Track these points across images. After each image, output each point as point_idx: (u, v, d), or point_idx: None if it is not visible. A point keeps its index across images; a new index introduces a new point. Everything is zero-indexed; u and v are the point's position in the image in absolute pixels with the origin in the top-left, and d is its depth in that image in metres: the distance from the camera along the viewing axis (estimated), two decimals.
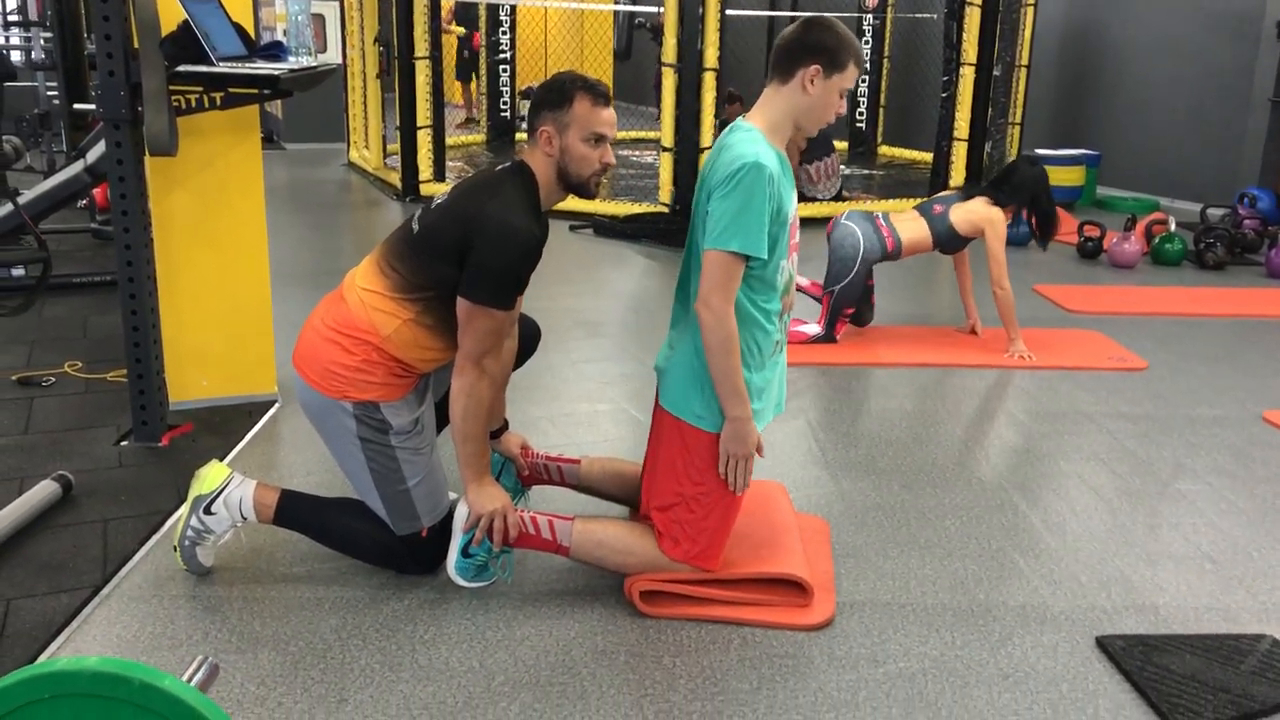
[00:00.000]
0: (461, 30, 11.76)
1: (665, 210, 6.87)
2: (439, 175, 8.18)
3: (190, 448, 3.13)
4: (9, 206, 3.49)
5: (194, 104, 3.05)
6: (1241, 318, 5.20)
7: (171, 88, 2.92)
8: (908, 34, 10.98)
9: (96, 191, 5.31)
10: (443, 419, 2.47)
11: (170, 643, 2.16)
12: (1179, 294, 5.66)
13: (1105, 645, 2.24)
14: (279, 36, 3.38)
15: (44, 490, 2.68)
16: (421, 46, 7.81)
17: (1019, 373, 4.21)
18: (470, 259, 2.18)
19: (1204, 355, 4.50)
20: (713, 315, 2.14)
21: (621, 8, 13.63)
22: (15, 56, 9.54)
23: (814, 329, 4.45)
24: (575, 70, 2.40)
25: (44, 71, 8.48)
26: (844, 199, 7.64)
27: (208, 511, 2.36)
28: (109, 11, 2.81)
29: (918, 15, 10.69)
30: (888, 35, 10.95)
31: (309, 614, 2.28)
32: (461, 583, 2.35)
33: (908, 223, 4.43)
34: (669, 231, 6.67)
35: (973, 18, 7.59)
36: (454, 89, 12.17)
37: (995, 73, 7.81)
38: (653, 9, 10.64)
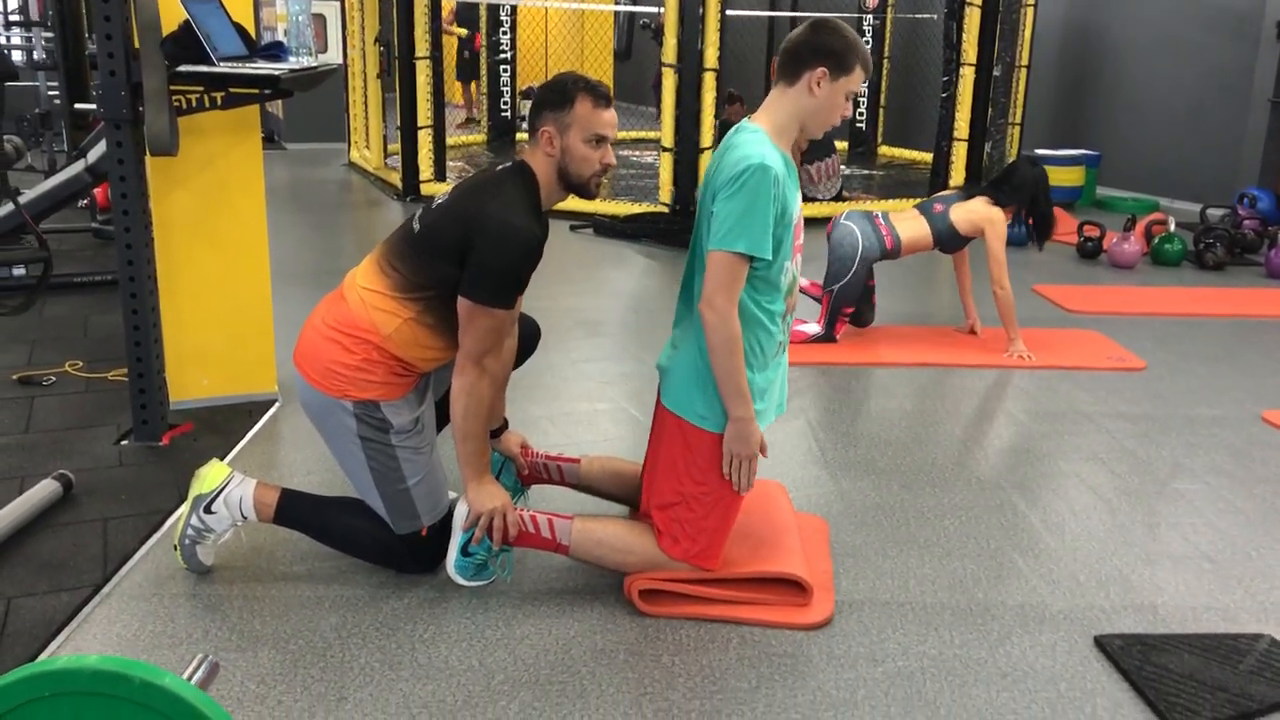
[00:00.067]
0: (464, 32, 11.76)
1: (665, 210, 6.88)
2: (439, 175, 8.19)
3: (191, 447, 3.14)
4: (10, 206, 3.50)
5: (195, 104, 3.05)
6: (1241, 318, 5.20)
7: (172, 87, 2.93)
8: (908, 34, 10.99)
9: (97, 191, 5.32)
10: (443, 418, 2.48)
11: (170, 641, 2.16)
12: (1178, 294, 5.67)
13: (1103, 644, 2.24)
14: (280, 37, 3.38)
15: (44, 489, 2.69)
16: (422, 46, 7.81)
17: (1018, 372, 4.22)
18: (471, 259, 2.19)
19: (1203, 355, 4.50)
20: (716, 315, 2.15)
21: (622, 8, 13.64)
22: (17, 56, 9.54)
23: (814, 328, 4.45)
24: (576, 71, 2.41)
25: (45, 71, 8.48)
26: (844, 199, 7.64)
27: (208, 510, 2.37)
28: (110, 11, 2.82)
29: (918, 15, 10.70)
30: (888, 35, 10.96)
31: (309, 612, 2.28)
32: (461, 581, 2.35)
33: (907, 221, 4.43)
34: (669, 231, 6.68)
35: (973, 18, 7.60)
36: (454, 89, 12.17)
37: (995, 73, 7.81)
38: (654, 9, 10.64)
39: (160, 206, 3.23)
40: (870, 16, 10.83)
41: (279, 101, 10.11)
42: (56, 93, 7.03)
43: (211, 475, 2.41)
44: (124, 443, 3.15)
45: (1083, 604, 2.43)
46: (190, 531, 2.37)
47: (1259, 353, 4.58)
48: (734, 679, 2.10)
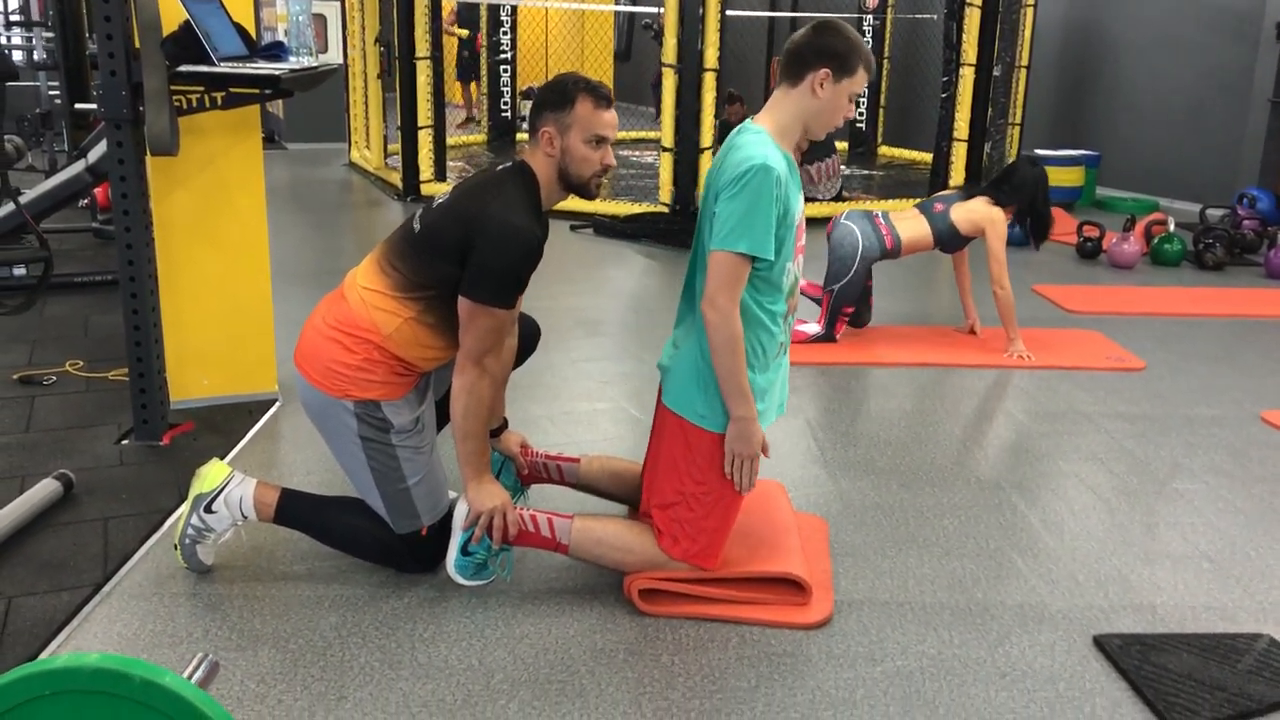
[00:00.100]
0: (465, 33, 11.76)
1: (665, 210, 6.88)
2: (440, 175, 8.20)
3: (191, 446, 3.14)
4: (11, 206, 3.50)
5: (195, 104, 3.06)
6: (1240, 318, 5.21)
7: (173, 87, 2.93)
8: (908, 34, 10.99)
9: (98, 191, 5.33)
10: (443, 417, 2.48)
11: (171, 640, 2.17)
12: (1178, 294, 5.67)
13: (1102, 644, 2.25)
14: (280, 37, 3.38)
15: (45, 488, 2.69)
16: (422, 47, 7.82)
17: (1018, 372, 4.22)
18: (472, 258, 2.19)
19: (1202, 355, 4.51)
20: (718, 315, 2.15)
21: (622, 8, 13.64)
22: (17, 56, 9.55)
23: (814, 328, 4.46)
24: (577, 71, 2.41)
25: (46, 71, 8.49)
26: (844, 199, 7.65)
27: (208, 510, 2.37)
28: (110, 11, 2.82)
29: (918, 16, 10.70)
30: (888, 36, 10.97)
31: (309, 612, 2.29)
32: (461, 581, 2.36)
33: (908, 221, 4.44)
34: (669, 231, 6.68)
35: (972, 18, 7.60)
36: (454, 89, 12.18)
37: (995, 73, 7.81)
38: (655, 10, 10.64)
39: (161, 206, 3.23)
40: (870, 17, 10.84)
41: (279, 101, 10.12)
42: (57, 92, 7.04)
43: (212, 475, 2.42)
44: (124, 442, 3.16)
45: (1082, 604, 2.43)
46: (190, 531, 2.37)
47: (1258, 353, 4.58)
48: (733, 678, 2.10)
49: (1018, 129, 8.47)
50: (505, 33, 11.08)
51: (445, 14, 9.90)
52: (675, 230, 6.66)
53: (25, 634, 2.15)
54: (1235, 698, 2.06)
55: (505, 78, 11.13)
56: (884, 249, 4.37)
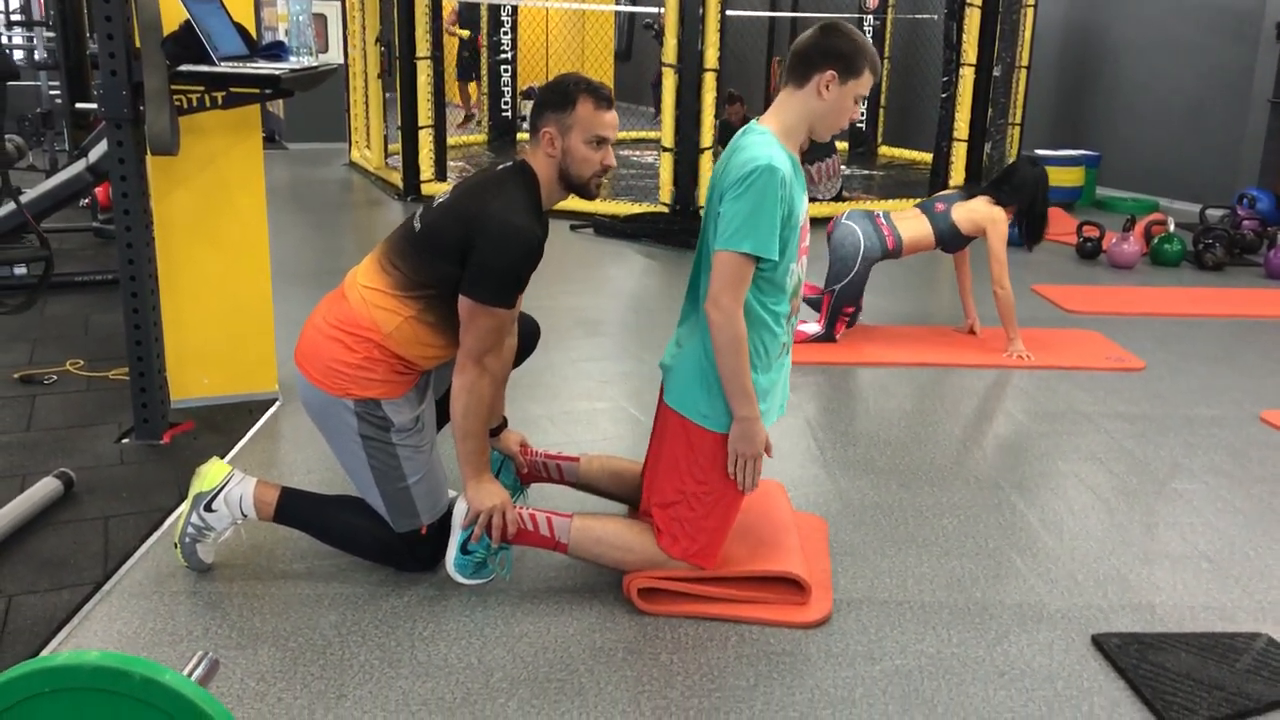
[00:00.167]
0: (466, 33, 11.77)
1: (665, 210, 6.88)
2: (440, 175, 8.20)
3: (191, 445, 3.15)
4: (11, 205, 3.50)
5: (195, 103, 3.06)
6: (1240, 318, 5.21)
7: (173, 87, 2.94)
8: (908, 35, 11.00)
9: (98, 190, 5.33)
10: (443, 416, 2.49)
11: (171, 639, 2.17)
12: (1178, 294, 5.67)
13: (1101, 643, 2.25)
14: (280, 36, 3.39)
15: (45, 487, 2.70)
16: (423, 47, 7.83)
17: (1017, 372, 4.23)
18: (472, 258, 2.20)
19: (1202, 355, 4.51)
20: (722, 315, 2.16)
21: (623, 8, 13.65)
22: (18, 56, 9.55)
23: (814, 328, 4.46)
24: (578, 72, 2.42)
25: (46, 71, 8.50)
26: (844, 199, 7.65)
27: (208, 509, 2.37)
28: (111, 11, 2.83)
29: (918, 16, 10.71)
30: (888, 36, 10.97)
31: (309, 610, 2.29)
32: (460, 580, 2.36)
33: (909, 221, 4.44)
34: (669, 231, 6.69)
35: (973, 18, 7.61)
36: (454, 89, 12.19)
37: (995, 73, 7.82)
38: (656, 10, 10.65)
39: (161, 206, 3.23)
40: (871, 17, 10.85)
41: (280, 101, 10.12)
42: (58, 92, 7.04)
43: (212, 473, 2.42)
44: (125, 441, 3.16)
45: (1080, 603, 2.44)
46: (191, 529, 2.38)
47: (1258, 353, 4.59)
48: (732, 677, 2.11)
49: (1018, 129, 8.47)
50: (506, 32, 11.09)
51: (446, 14, 9.91)
52: (675, 230, 6.67)
53: (26, 632, 2.16)
54: (1233, 697, 2.07)
55: (506, 77, 11.14)
56: (885, 249, 4.37)
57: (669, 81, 6.71)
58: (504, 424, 2.74)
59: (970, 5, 7.57)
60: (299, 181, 8.87)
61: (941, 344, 4.54)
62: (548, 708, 1.99)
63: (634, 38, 15.45)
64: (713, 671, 2.12)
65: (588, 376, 4.00)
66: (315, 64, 3.30)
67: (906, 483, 3.10)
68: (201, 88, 3.04)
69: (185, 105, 3.05)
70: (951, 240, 4.43)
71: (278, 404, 3.50)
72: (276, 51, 3.24)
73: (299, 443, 3.21)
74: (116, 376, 3.64)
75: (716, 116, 6.85)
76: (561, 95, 2.27)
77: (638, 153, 10.63)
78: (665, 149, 6.89)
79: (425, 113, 7.92)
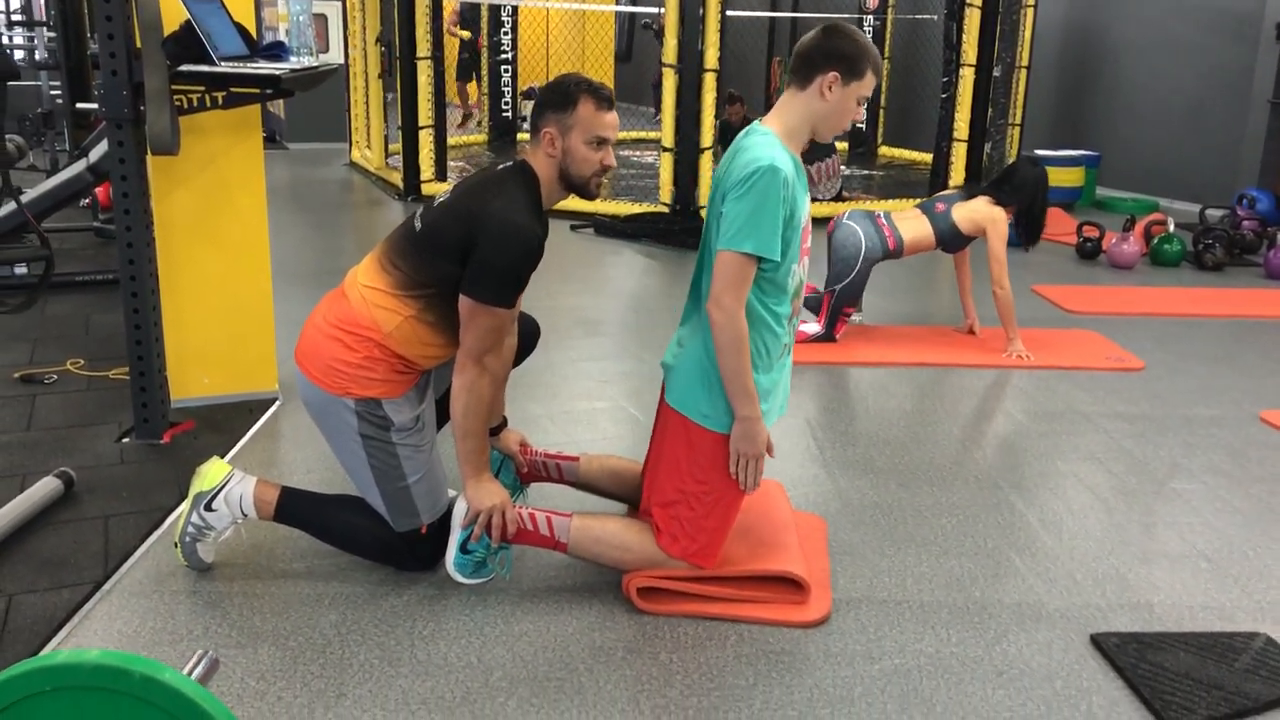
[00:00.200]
0: (468, 34, 11.78)
1: (665, 210, 6.89)
2: (440, 175, 8.21)
3: (191, 445, 3.15)
4: (12, 205, 3.51)
5: (196, 103, 3.07)
6: (1239, 318, 5.21)
7: (174, 87, 2.94)
8: (908, 35, 11.00)
9: (99, 190, 5.33)
10: (443, 415, 2.49)
11: (171, 638, 2.17)
12: (1177, 295, 5.67)
13: (1099, 642, 2.25)
14: (281, 36, 3.39)
15: (46, 487, 2.70)
16: (423, 47, 7.83)
17: (1017, 372, 4.23)
18: (473, 257, 2.20)
19: (1202, 355, 4.51)
20: (724, 315, 2.16)
21: (623, 9, 13.65)
22: (19, 56, 9.56)
23: (814, 328, 4.47)
24: (579, 72, 2.42)
25: (47, 71, 8.50)
26: (844, 199, 7.66)
27: (208, 508, 2.38)
28: (112, 11, 2.83)
29: (918, 16, 10.71)
30: (888, 36, 10.98)
31: (308, 609, 2.29)
32: (460, 579, 2.36)
33: (909, 221, 4.44)
34: (669, 231, 6.69)
35: (972, 19, 7.61)
36: (453, 89, 12.19)
37: (995, 73, 7.82)
38: (656, 10, 10.65)
39: (161, 206, 3.24)
40: (871, 17, 10.85)
41: (280, 101, 10.12)
42: (58, 92, 7.04)
43: (212, 473, 2.42)
44: (125, 440, 3.16)
45: (1079, 602, 2.44)
46: (191, 529, 2.38)
47: (1257, 353, 4.59)
48: (731, 676, 2.11)
49: (1018, 129, 8.48)
50: (506, 33, 11.09)
51: (447, 14, 9.91)
52: (675, 230, 6.67)
53: (26, 631, 2.16)
54: (1231, 696, 2.07)
55: (506, 78, 11.14)
56: (886, 250, 4.38)
57: (669, 81, 6.71)
58: (504, 423, 2.75)
59: (970, 5, 7.57)
60: (299, 181, 8.88)
61: (941, 344, 4.55)
62: (547, 706, 1.99)
63: (634, 38, 15.45)
64: (712, 670, 2.13)
65: (588, 376, 4.00)
66: (315, 64, 3.30)
67: (906, 482, 3.10)
68: (202, 88, 3.04)
69: (186, 105, 3.05)
70: (952, 240, 4.44)
71: (278, 403, 3.51)
72: (277, 51, 3.24)
73: (299, 442, 3.22)
74: (117, 376, 3.65)
75: (716, 117, 6.86)
76: (562, 96, 2.28)
77: (638, 153, 10.64)
78: (665, 149, 6.89)
79: (425, 113, 7.93)
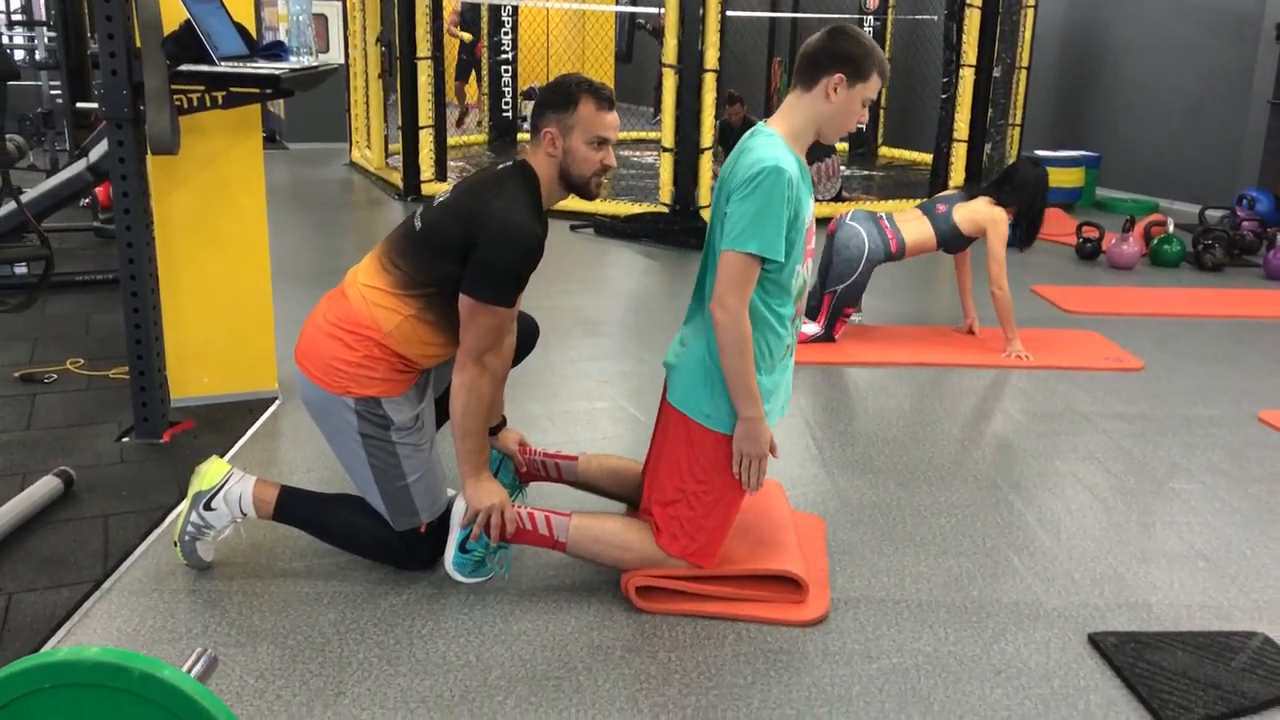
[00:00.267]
0: (469, 36, 11.78)
1: (665, 210, 6.89)
2: (440, 175, 8.21)
3: (191, 444, 3.15)
4: (12, 204, 3.51)
5: (196, 103, 3.07)
6: (1239, 319, 5.22)
7: (173, 87, 2.94)
8: (908, 35, 11.01)
9: (99, 190, 5.34)
10: (442, 414, 2.49)
11: (170, 636, 2.18)
12: (1177, 295, 5.68)
13: (1097, 642, 2.26)
14: (281, 36, 3.39)
15: (45, 486, 2.71)
16: (424, 47, 7.84)
17: (1016, 372, 4.23)
18: (473, 256, 2.21)
19: (1201, 356, 4.52)
20: (727, 315, 2.16)
21: (623, 9, 13.66)
22: (19, 55, 9.56)
23: (813, 328, 4.47)
24: (579, 72, 2.43)
25: (47, 71, 8.51)
26: (844, 199, 7.66)
27: (208, 507, 2.38)
28: (112, 11, 2.83)
29: (918, 17, 10.71)
30: (888, 37, 10.98)
31: (308, 608, 2.30)
32: (459, 578, 2.37)
33: (911, 223, 4.45)
34: (669, 231, 6.70)
35: (973, 19, 7.61)
36: (451, 88, 12.21)
37: (995, 74, 7.83)
38: (654, 10, 10.65)
39: (161, 205, 3.24)
40: (871, 18, 10.86)
41: (280, 101, 10.13)
42: (59, 92, 7.05)
43: (211, 472, 2.43)
44: (125, 440, 3.17)
45: (1077, 602, 2.44)
46: (190, 528, 2.39)
47: (1256, 353, 4.59)
48: (730, 675, 2.11)
49: (1018, 130, 8.48)
50: (506, 33, 11.10)
51: (447, 14, 9.92)
52: (675, 230, 6.68)
53: (25, 630, 2.16)
54: (1229, 695, 2.07)
55: (506, 78, 11.15)
56: (889, 252, 4.38)
57: (669, 82, 6.71)
58: (503, 423, 2.75)
59: (970, 6, 7.58)
60: (299, 181, 8.88)
61: (940, 344, 4.55)
62: (545, 705, 1.99)
63: (634, 38, 15.46)
64: (710, 669, 2.13)
65: (587, 376, 4.00)
66: (315, 64, 3.31)
67: (904, 482, 3.10)
68: (202, 87, 3.04)
69: (185, 105, 3.06)
70: (953, 241, 4.44)
71: (277, 403, 3.51)
72: (276, 51, 3.24)
73: (298, 441, 3.22)
74: (117, 375, 3.65)
75: (716, 117, 6.86)
76: (563, 96, 2.28)
77: (638, 153, 10.64)
78: (665, 149, 6.90)
79: (426, 113, 7.93)
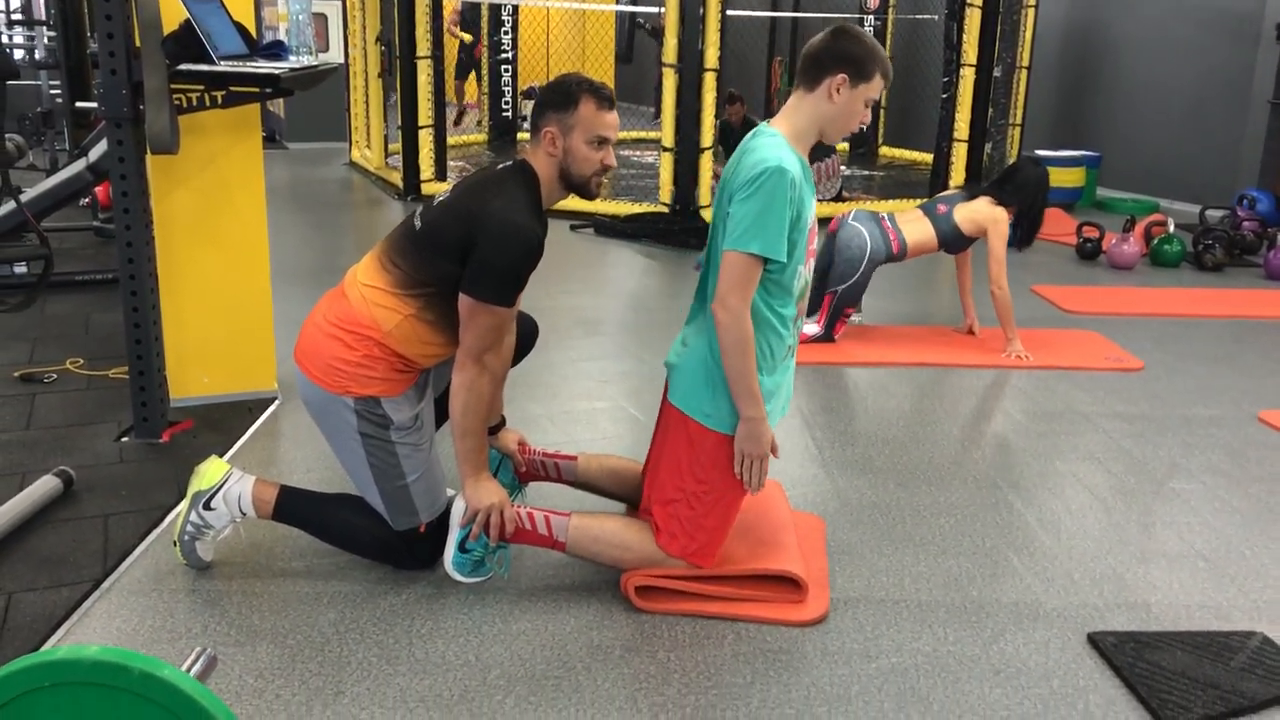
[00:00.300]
0: (469, 37, 11.78)
1: (665, 210, 6.89)
2: (440, 175, 8.21)
3: (190, 444, 3.15)
4: (11, 204, 3.51)
5: (195, 103, 3.07)
6: (1239, 319, 5.22)
7: (173, 86, 2.94)
8: (908, 35, 11.00)
9: (99, 189, 5.34)
10: (442, 414, 2.49)
11: (170, 636, 2.18)
12: (1177, 295, 5.68)
13: (1097, 641, 2.26)
14: (280, 36, 3.40)
15: (45, 485, 2.71)
16: (423, 46, 7.84)
17: (1016, 372, 4.23)
18: (473, 256, 2.21)
19: (1201, 356, 4.51)
20: (729, 315, 2.16)
21: (623, 9, 13.66)
22: (19, 55, 9.56)
23: (813, 328, 4.47)
24: (579, 72, 2.42)
25: (47, 70, 8.50)
26: (844, 199, 7.66)
27: (207, 507, 2.38)
28: (111, 11, 2.83)
29: (918, 16, 10.71)
30: (889, 36, 10.98)
31: (307, 608, 2.30)
32: (458, 578, 2.37)
33: (912, 224, 4.45)
34: (669, 231, 6.70)
35: (973, 19, 7.61)
36: (450, 88, 12.21)
37: (995, 74, 7.83)
38: (654, 10, 10.65)
39: (161, 205, 3.24)
40: (871, 17, 10.85)
41: (280, 101, 10.13)
42: (58, 91, 7.05)
43: (211, 472, 2.43)
44: (124, 439, 3.17)
45: (1076, 602, 2.44)
46: (190, 528, 2.39)
47: (1257, 353, 4.59)
48: (729, 674, 2.11)
49: (1018, 129, 8.48)
50: (506, 32, 11.10)
51: (447, 14, 9.92)
52: (675, 230, 6.67)
53: (25, 629, 2.16)
54: (1228, 695, 2.07)
55: (506, 77, 11.14)
56: (890, 253, 4.39)
57: (669, 81, 6.71)
58: (502, 422, 2.75)
59: (970, 5, 7.58)
60: (299, 181, 8.88)
61: (940, 344, 4.55)
62: (545, 705, 1.99)
63: (634, 38, 15.46)
64: (709, 669, 2.13)
65: (587, 376, 4.00)
66: (315, 63, 3.31)
67: (904, 482, 3.10)
68: (201, 87, 3.04)
69: (185, 104, 3.06)
70: (954, 242, 4.44)
71: (277, 402, 3.51)
72: (276, 51, 3.24)
73: (298, 441, 3.22)
74: (116, 375, 3.65)
75: (717, 117, 6.86)
76: (564, 95, 2.28)
77: (638, 153, 10.64)
78: (665, 149, 6.90)
79: (425, 112, 7.93)
